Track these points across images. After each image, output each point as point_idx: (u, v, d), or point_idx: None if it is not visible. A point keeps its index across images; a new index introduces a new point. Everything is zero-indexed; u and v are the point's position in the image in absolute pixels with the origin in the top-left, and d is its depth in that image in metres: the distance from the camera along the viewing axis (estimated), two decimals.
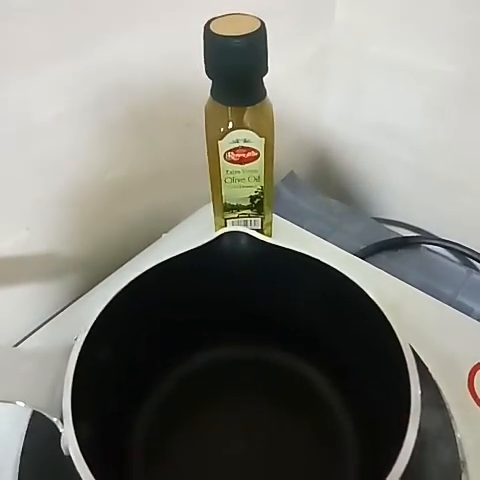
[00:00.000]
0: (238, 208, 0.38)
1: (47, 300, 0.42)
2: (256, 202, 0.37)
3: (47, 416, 0.22)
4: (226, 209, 0.38)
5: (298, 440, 0.31)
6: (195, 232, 0.37)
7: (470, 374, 0.33)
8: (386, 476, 0.19)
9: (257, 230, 0.39)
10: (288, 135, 0.55)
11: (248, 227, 0.38)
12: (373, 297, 0.26)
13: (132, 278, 0.27)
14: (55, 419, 0.21)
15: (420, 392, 0.22)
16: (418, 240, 0.52)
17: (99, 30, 0.34)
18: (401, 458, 0.19)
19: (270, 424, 0.31)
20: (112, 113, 0.39)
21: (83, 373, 0.22)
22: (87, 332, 0.24)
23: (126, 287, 0.27)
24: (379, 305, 0.26)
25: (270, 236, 0.41)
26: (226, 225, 0.39)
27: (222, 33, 0.28)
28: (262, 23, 0.29)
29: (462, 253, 0.51)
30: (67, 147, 0.37)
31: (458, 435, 0.30)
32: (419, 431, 0.21)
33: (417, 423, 0.21)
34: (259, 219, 0.39)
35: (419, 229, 0.61)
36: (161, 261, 0.28)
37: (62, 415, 0.21)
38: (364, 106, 0.57)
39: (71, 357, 0.22)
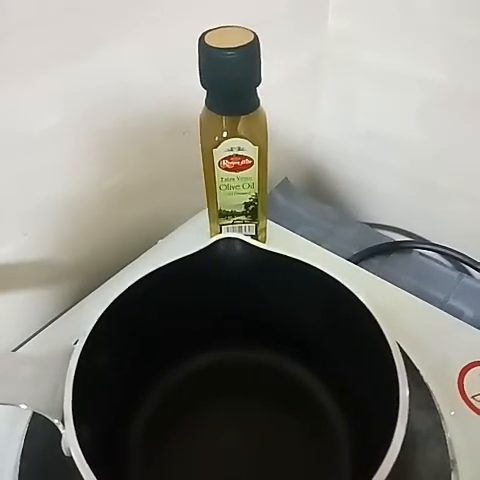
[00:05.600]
0: (233, 214, 0.38)
1: (44, 306, 0.42)
2: (250, 209, 0.38)
3: (48, 418, 0.22)
4: (221, 215, 0.38)
5: (293, 440, 0.31)
6: (190, 238, 0.37)
7: (460, 375, 0.34)
8: (373, 475, 0.20)
9: (252, 236, 0.40)
10: (282, 143, 0.56)
11: (243, 233, 0.39)
12: (364, 301, 0.27)
13: (130, 284, 0.28)
14: (56, 421, 0.22)
15: (408, 392, 0.22)
16: (410, 245, 0.53)
17: (96, 41, 0.35)
18: (388, 457, 0.20)
19: (266, 424, 0.32)
20: (109, 122, 0.39)
21: (83, 376, 0.23)
22: (87, 336, 0.24)
23: (124, 293, 0.27)
24: (370, 309, 0.26)
25: (264, 242, 0.42)
26: (221, 231, 0.40)
27: (216, 45, 0.29)
28: (255, 35, 0.29)
29: (454, 257, 0.52)
30: (64, 155, 0.38)
31: (448, 435, 0.30)
32: (409, 431, 0.22)
33: (405, 423, 0.21)
34: (253, 225, 0.40)
35: (411, 234, 0.61)
36: (157, 267, 0.28)
37: (63, 417, 0.22)
38: (357, 113, 0.58)
39: (72, 360, 0.23)
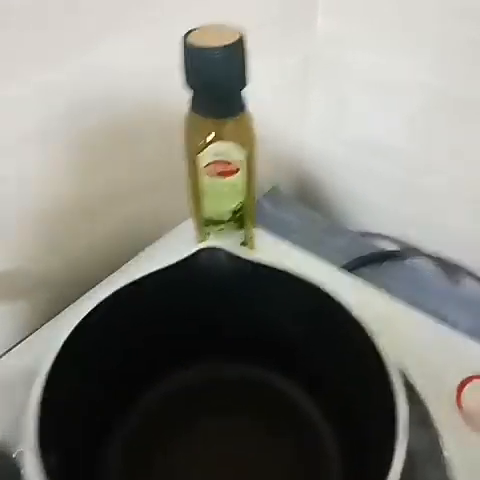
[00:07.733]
0: (219, 222, 0.37)
1: (14, 323, 0.40)
2: (238, 216, 0.37)
3: (7, 451, 0.20)
4: (207, 223, 0.37)
5: (282, 458, 0.30)
6: (177, 246, 0.36)
7: (458, 390, 0.33)
8: None
9: (241, 243, 0.38)
10: (271, 149, 0.55)
11: (230, 241, 0.38)
12: (356, 314, 0.26)
13: (102, 298, 0.26)
14: (16, 452, 0.20)
15: (407, 408, 0.21)
16: (402, 254, 0.52)
17: (83, 42, 0.34)
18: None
19: (254, 442, 0.31)
20: (90, 125, 0.38)
21: (49, 402, 0.21)
22: (53, 359, 0.22)
23: (95, 308, 0.26)
24: (362, 323, 0.25)
25: (252, 250, 0.40)
26: (207, 239, 0.38)
27: (200, 44, 0.28)
28: (241, 34, 0.28)
29: (446, 267, 0.51)
30: (39, 161, 0.37)
31: (446, 453, 0.29)
32: (407, 451, 0.20)
33: (405, 443, 0.20)
34: (241, 233, 0.38)
35: (403, 243, 0.61)
36: (133, 280, 0.27)
37: (26, 446, 0.19)
38: (347, 119, 0.58)
39: (34, 388, 0.21)
